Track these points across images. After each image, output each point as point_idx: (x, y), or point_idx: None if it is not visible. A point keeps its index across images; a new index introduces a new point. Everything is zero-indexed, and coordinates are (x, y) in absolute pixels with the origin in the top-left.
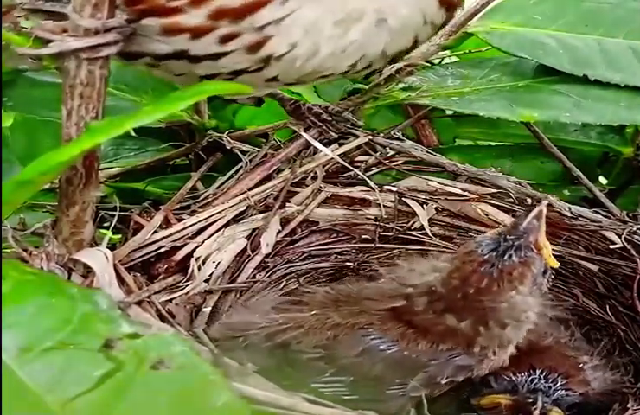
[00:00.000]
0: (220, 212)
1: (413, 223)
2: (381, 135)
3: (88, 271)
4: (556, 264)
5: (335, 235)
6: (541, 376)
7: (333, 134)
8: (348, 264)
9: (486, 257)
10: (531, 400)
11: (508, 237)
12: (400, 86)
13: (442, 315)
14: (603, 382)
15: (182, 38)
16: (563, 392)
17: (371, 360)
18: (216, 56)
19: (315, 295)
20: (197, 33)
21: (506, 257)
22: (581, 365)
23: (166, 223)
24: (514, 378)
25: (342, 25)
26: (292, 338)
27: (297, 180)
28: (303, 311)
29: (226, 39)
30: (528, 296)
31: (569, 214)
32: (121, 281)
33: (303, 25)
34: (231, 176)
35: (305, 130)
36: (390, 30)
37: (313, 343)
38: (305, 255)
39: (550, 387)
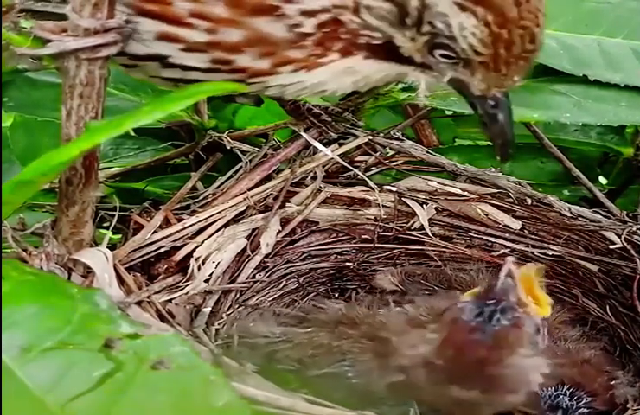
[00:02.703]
0: (220, 212)
1: (413, 223)
2: (381, 135)
3: (88, 271)
4: (547, 313)
5: (335, 235)
6: (567, 392)
7: (332, 134)
8: (348, 264)
9: (473, 324)
10: None
11: (488, 301)
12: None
13: (445, 385)
14: (624, 397)
15: (173, 47)
16: (585, 411)
17: (334, 383)
18: (193, 69)
19: (322, 313)
20: (192, 48)
21: (494, 321)
22: (612, 382)
23: (166, 223)
24: (539, 392)
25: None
26: (280, 350)
27: (296, 180)
28: (301, 328)
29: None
30: (530, 357)
31: (569, 214)
32: (121, 281)
33: (306, 86)
34: (231, 176)
35: (305, 131)
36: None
37: (295, 358)
38: (305, 255)
39: (573, 405)
